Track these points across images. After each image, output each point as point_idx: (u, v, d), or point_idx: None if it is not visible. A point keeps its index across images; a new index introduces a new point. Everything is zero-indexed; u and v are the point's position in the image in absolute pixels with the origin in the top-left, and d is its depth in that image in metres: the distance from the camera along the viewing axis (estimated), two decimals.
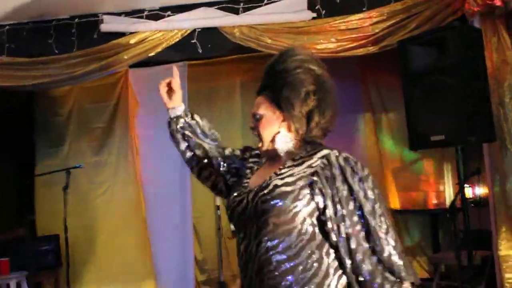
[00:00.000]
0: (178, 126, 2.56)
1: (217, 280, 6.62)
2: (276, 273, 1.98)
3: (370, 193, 1.99)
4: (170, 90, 2.57)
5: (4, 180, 6.05)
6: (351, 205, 1.97)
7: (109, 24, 5.15)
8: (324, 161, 2.03)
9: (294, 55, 2.15)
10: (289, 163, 2.10)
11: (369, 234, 1.95)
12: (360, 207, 1.97)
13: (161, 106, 6.94)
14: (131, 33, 5.12)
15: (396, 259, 1.95)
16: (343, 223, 1.96)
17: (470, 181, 5.82)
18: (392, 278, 1.94)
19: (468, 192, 5.67)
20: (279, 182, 2.03)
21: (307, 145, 2.13)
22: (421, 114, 4.32)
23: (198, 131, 2.58)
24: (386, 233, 1.96)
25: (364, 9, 4.85)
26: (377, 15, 4.76)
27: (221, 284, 6.52)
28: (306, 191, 2.00)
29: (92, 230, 6.57)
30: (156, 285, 6.56)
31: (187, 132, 2.56)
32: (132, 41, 5.09)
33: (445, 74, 4.17)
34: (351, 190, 1.98)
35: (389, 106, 6.73)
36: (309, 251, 1.98)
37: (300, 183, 2.01)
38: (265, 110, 2.18)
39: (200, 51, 5.14)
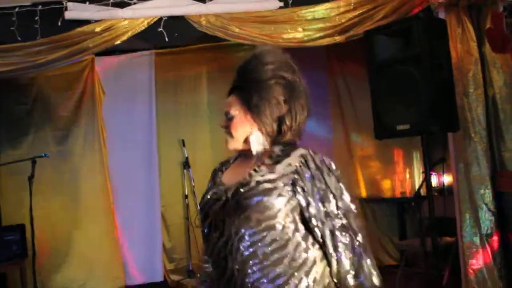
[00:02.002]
0: None
1: (185, 268, 6.64)
2: (263, 265, 2.02)
3: (345, 193, 2.06)
4: None
5: None
6: (332, 203, 2.03)
7: (73, 12, 5.05)
8: (302, 160, 2.07)
9: (267, 63, 2.16)
10: (267, 161, 2.13)
11: (346, 233, 2.03)
12: (338, 205, 2.04)
13: (128, 95, 6.97)
14: (96, 21, 5.03)
15: (364, 261, 2.04)
16: (326, 220, 2.03)
17: (435, 169, 5.91)
18: (359, 280, 2.02)
19: (433, 180, 5.75)
20: (261, 179, 2.06)
21: (281, 146, 2.16)
22: (387, 103, 4.36)
23: None
24: (358, 231, 2.05)
25: None
26: (344, 5, 4.76)
27: (190, 273, 6.54)
28: (288, 188, 2.04)
29: (59, 220, 6.50)
30: (124, 274, 6.55)
31: None
32: (97, 29, 5.00)
33: (411, 64, 4.20)
34: (329, 188, 2.04)
35: (355, 95, 6.79)
36: (296, 242, 2.03)
37: (283, 180, 2.05)
38: (237, 111, 2.19)
39: (167, 39, 5.07)
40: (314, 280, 2.04)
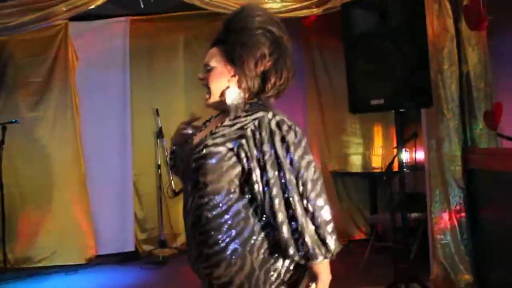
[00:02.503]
0: None
1: (157, 239, 6.64)
2: (205, 229, 2.05)
3: (296, 161, 2.00)
4: None
5: None
6: (276, 172, 2.00)
7: None
8: (256, 123, 2.03)
9: (255, 15, 2.13)
10: (226, 122, 2.11)
11: (289, 203, 1.99)
12: (283, 175, 1.99)
13: (101, 62, 6.84)
14: None
15: (307, 232, 1.99)
16: (267, 188, 2.00)
17: (407, 145, 5.94)
18: (301, 252, 1.99)
19: (405, 156, 5.79)
20: (210, 142, 2.06)
21: (250, 105, 2.14)
22: (362, 78, 4.35)
23: None
24: (307, 202, 1.99)
25: None
26: None
27: (161, 243, 6.54)
28: (233, 153, 2.03)
29: (29, 187, 6.45)
30: (95, 243, 6.53)
31: None
32: None
33: (387, 39, 4.17)
34: (277, 156, 2.00)
35: (331, 68, 6.78)
36: (236, 210, 2.04)
37: (229, 145, 2.03)
38: (217, 63, 2.17)
39: (143, 6, 4.98)
40: (251, 251, 2.04)
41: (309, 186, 2.00)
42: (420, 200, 5.04)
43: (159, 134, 6.57)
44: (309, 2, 4.74)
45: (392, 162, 5.20)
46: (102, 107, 6.60)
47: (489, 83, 4.56)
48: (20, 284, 5.63)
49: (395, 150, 4.90)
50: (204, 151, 2.05)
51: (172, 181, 6.37)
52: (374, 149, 6.86)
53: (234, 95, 2.14)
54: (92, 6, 4.88)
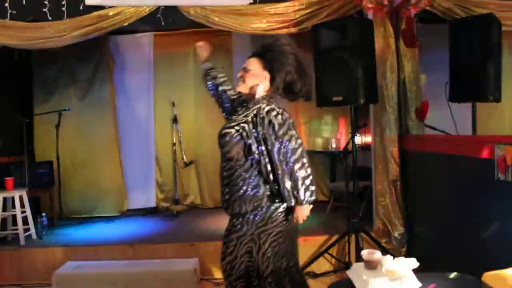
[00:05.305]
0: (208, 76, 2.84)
1: (172, 198, 6.64)
2: (223, 184, 2.37)
3: (280, 136, 2.26)
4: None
5: (9, 119, 5.77)
6: (266, 145, 2.27)
7: None
8: (255, 111, 2.30)
9: (288, 44, 2.41)
10: (240, 111, 2.40)
11: (275, 166, 2.28)
12: (271, 147, 2.27)
13: (132, 65, 6.73)
14: (109, 7, 4.83)
15: (285, 186, 2.30)
16: (262, 156, 2.28)
17: (359, 131, 5.96)
18: (284, 198, 2.33)
19: (357, 139, 5.81)
20: (227, 125, 2.35)
21: (262, 98, 2.38)
22: (326, 80, 4.34)
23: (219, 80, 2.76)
24: (286, 165, 2.28)
25: None
26: (298, 5, 4.68)
27: (175, 200, 6.55)
28: (239, 133, 2.29)
29: (78, 158, 6.44)
30: (127, 201, 6.54)
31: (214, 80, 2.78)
32: (110, 13, 4.80)
33: (345, 52, 4.19)
34: (266, 134, 2.26)
35: None
36: (239, 174, 2.31)
37: (236, 127, 2.30)
38: (254, 67, 2.41)
39: (163, 24, 4.93)
40: (251, 205, 2.31)
41: (289, 153, 2.27)
42: (367, 172, 5.06)
43: (175, 120, 6.53)
44: (288, 23, 4.70)
45: (347, 144, 5.22)
46: (132, 99, 6.58)
47: (419, 87, 4.58)
48: (72, 229, 5.62)
49: (350, 135, 4.91)
50: (222, 132, 2.34)
51: (184, 155, 6.35)
52: (334, 134, 6.86)
53: (260, 92, 2.39)
54: (126, 24, 4.84)
